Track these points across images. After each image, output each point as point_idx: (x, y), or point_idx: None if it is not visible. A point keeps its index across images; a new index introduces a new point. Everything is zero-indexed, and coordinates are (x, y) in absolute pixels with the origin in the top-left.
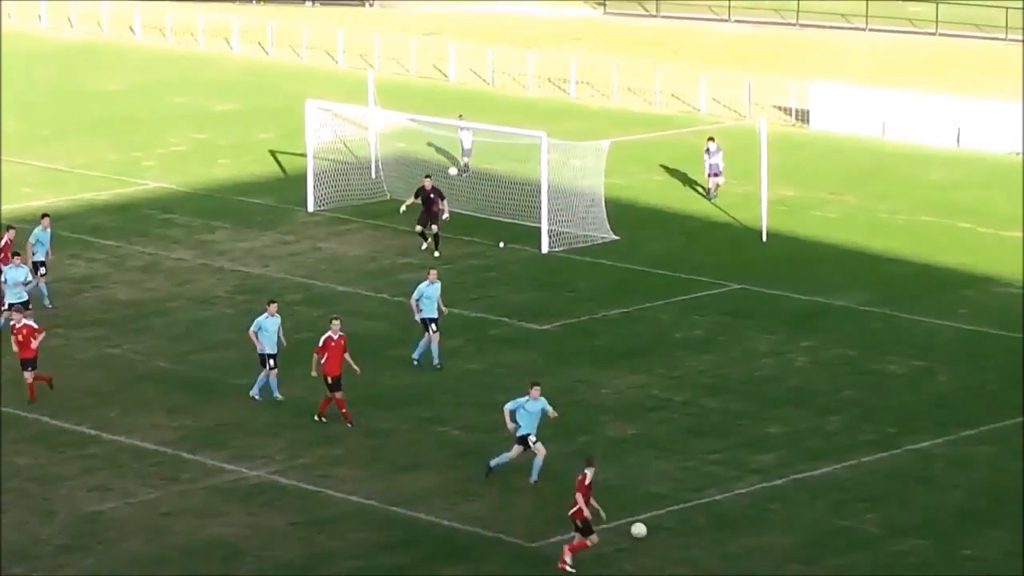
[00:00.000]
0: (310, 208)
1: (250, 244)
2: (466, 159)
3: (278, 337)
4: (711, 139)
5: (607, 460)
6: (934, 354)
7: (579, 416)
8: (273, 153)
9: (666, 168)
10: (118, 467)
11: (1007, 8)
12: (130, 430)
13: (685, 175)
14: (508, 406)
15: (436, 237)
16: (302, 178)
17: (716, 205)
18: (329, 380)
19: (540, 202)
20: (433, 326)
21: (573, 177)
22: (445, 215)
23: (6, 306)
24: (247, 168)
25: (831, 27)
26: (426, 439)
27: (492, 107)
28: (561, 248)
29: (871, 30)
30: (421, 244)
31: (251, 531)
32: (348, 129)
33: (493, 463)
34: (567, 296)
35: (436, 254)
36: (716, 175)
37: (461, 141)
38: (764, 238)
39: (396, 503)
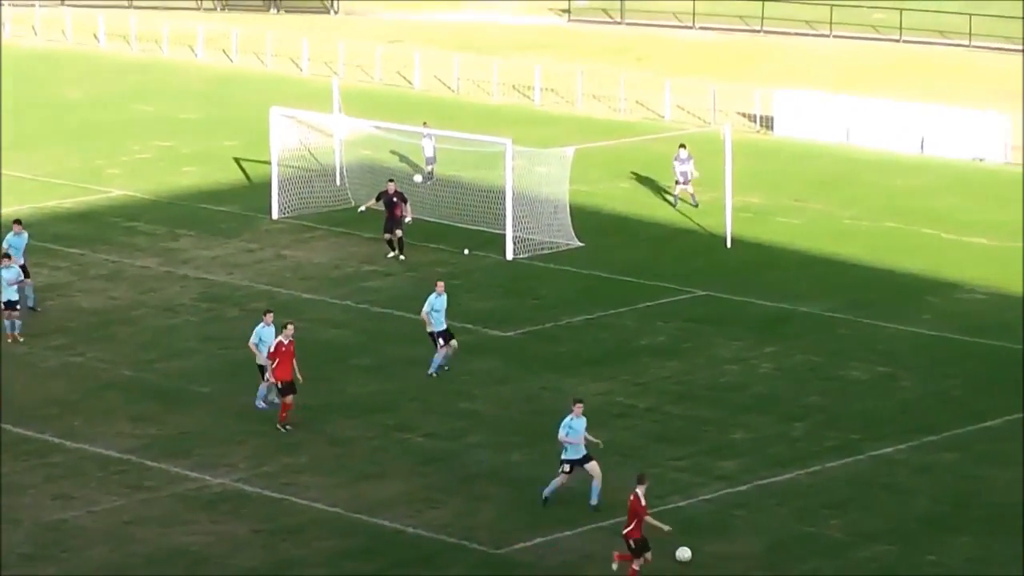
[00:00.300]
0: (274, 215)
1: (214, 252)
2: (429, 167)
3: None
4: (682, 146)
5: None
6: (898, 360)
7: (543, 423)
8: (237, 161)
9: (631, 175)
10: (82, 475)
11: (971, 15)
12: (94, 438)
13: (650, 182)
14: (560, 433)
15: (400, 241)
16: (266, 185)
17: (681, 212)
18: (280, 385)
19: (505, 209)
20: (441, 340)
21: (538, 184)
22: (408, 219)
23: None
24: (212, 176)
25: (795, 34)
26: (391, 446)
27: (457, 114)
28: (526, 255)
29: (835, 37)
30: (387, 252)
31: (215, 539)
32: (313, 136)
33: (547, 493)
34: (531, 303)
35: (401, 258)
36: (686, 183)
37: (424, 148)
38: (729, 245)
39: (361, 511)
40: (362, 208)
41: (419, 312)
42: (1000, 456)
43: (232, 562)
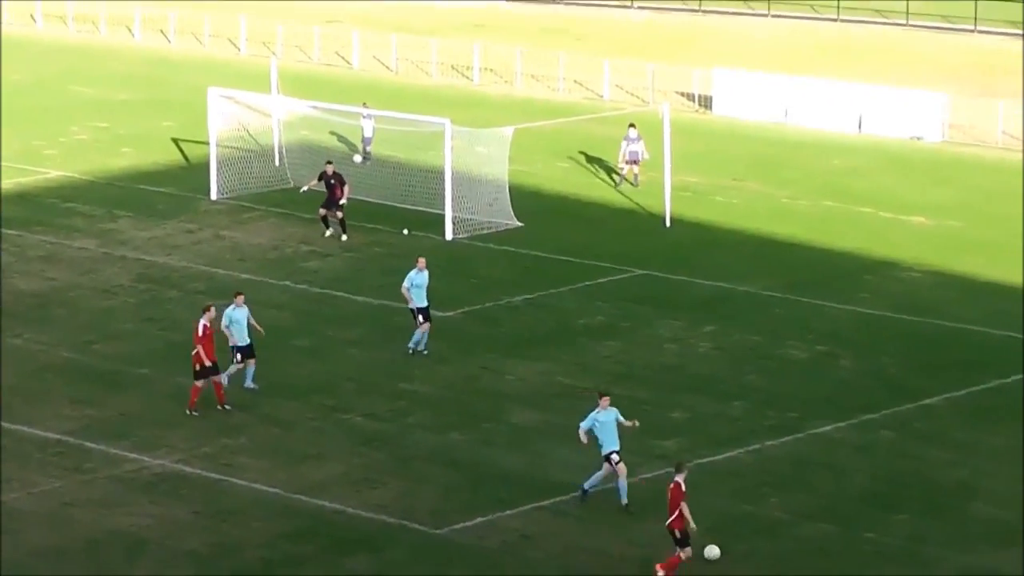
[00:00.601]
0: (213, 196)
1: (153, 233)
2: (368, 148)
3: (249, 326)
4: (632, 125)
5: (512, 447)
6: (836, 339)
7: (483, 404)
8: (176, 142)
9: (570, 155)
10: (21, 457)
11: None
12: (32, 420)
13: (589, 162)
14: (582, 425)
15: (342, 222)
16: (205, 166)
17: (620, 192)
18: (208, 365)
19: (444, 189)
20: (423, 315)
21: (477, 164)
22: (343, 200)
23: None
24: (150, 157)
25: (733, 14)
26: (330, 427)
27: (396, 95)
28: (465, 235)
29: (774, 16)
30: (324, 231)
31: (155, 521)
32: (251, 117)
33: (587, 486)
34: (471, 283)
35: (344, 238)
36: (634, 162)
37: (363, 129)
38: (667, 224)
39: (300, 491)
40: (304, 189)
41: (358, 293)
42: (938, 435)
43: (172, 544)
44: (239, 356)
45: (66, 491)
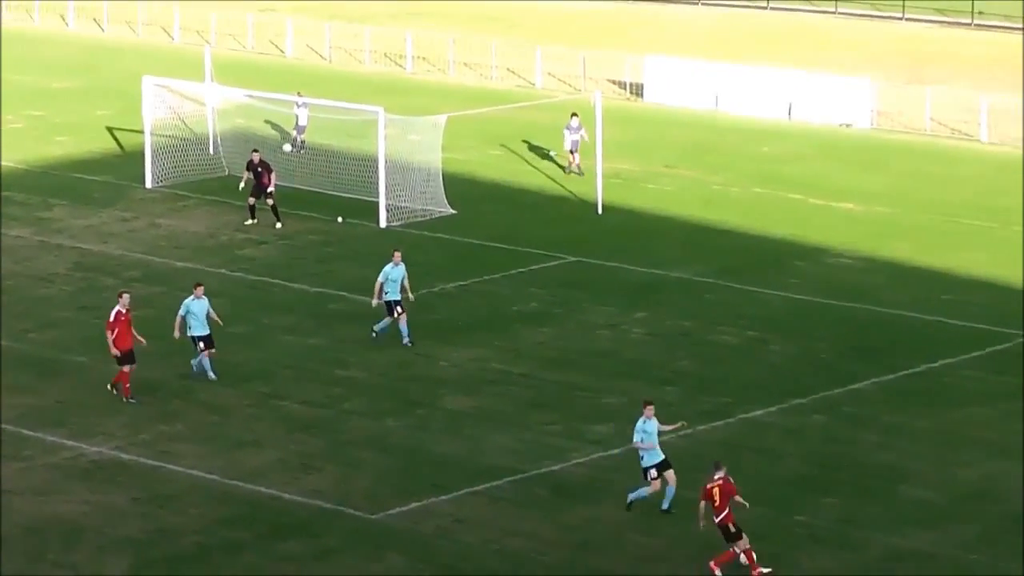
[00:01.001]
0: (148, 185)
1: (88, 221)
2: (301, 136)
3: (209, 317)
4: (574, 115)
5: (446, 433)
6: (767, 324)
7: (418, 389)
8: (111, 130)
9: (503, 142)
10: None
11: None
12: None
13: (522, 149)
14: (635, 440)
15: (274, 209)
16: (140, 155)
17: (552, 179)
18: (120, 354)
19: (378, 177)
20: (399, 307)
21: (410, 152)
22: (270, 188)
23: None
24: (84, 145)
25: (665, 1)
26: (266, 414)
27: (329, 82)
28: (399, 223)
29: (704, 4)
30: (247, 219)
31: (92, 508)
32: (185, 105)
33: (633, 498)
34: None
35: (278, 226)
36: (576, 151)
37: (297, 117)
38: (600, 211)
39: (237, 478)
40: (241, 186)
41: (293, 281)
42: (868, 418)
43: (109, 530)
44: (201, 345)
45: (4, 479)
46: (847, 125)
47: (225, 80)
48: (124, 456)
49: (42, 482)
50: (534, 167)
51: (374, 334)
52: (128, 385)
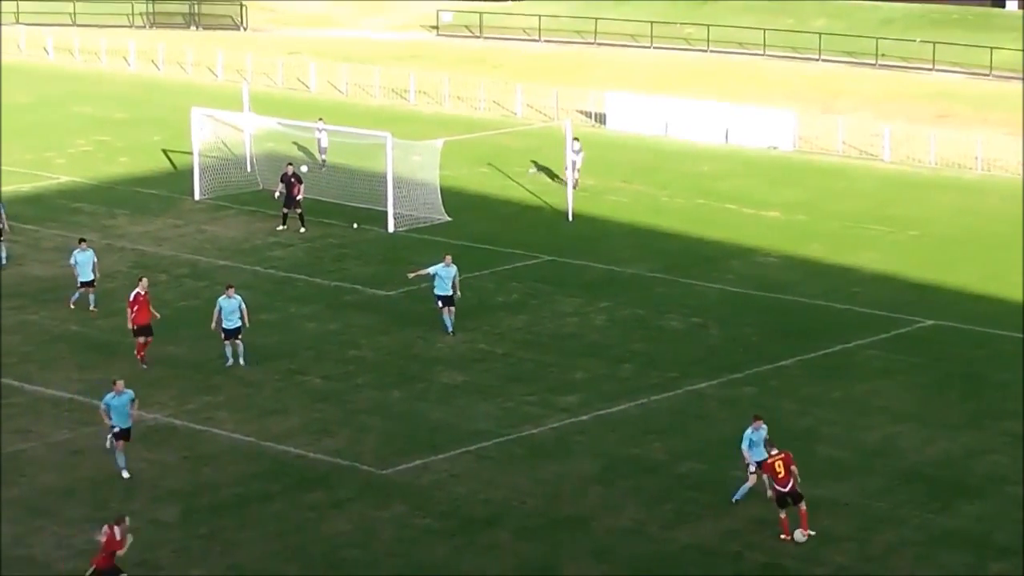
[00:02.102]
0: (196, 197)
1: (145, 228)
2: (323, 156)
3: (242, 313)
4: (576, 139)
5: (441, 403)
6: (707, 312)
7: (418, 367)
8: (165, 152)
9: (489, 162)
10: (37, 413)
11: (765, 30)
12: (47, 383)
13: (504, 168)
14: (743, 445)
15: (301, 216)
16: (189, 172)
17: (530, 191)
18: (137, 327)
19: (386, 190)
20: (450, 304)
21: (413, 170)
22: (299, 196)
23: None
24: (143, 165)
25: (622, 45)
26: (291, 387)
27: (346, 113)
28: (404, 228)
29: (655, 48)
30: (279, 226)
31: (148, 464)
32: (227, 132)
33: (737, 497)
34: (408, 267)
35: (303, 231)
36: (574, 170)
37: (319, 141)
38: (570, 219)
39: (268, 440)
40: (276, 195)
41: (315, 276)
42: (790, 390)
43: (162, 484)
44: (225, 335)
45: (75, 441)
46: (774, 148)
47: (260, 111)
48: (175, 422)
49: (106, 444)
50: (515, 182)
51: (451, 333)
52: (143, 354)
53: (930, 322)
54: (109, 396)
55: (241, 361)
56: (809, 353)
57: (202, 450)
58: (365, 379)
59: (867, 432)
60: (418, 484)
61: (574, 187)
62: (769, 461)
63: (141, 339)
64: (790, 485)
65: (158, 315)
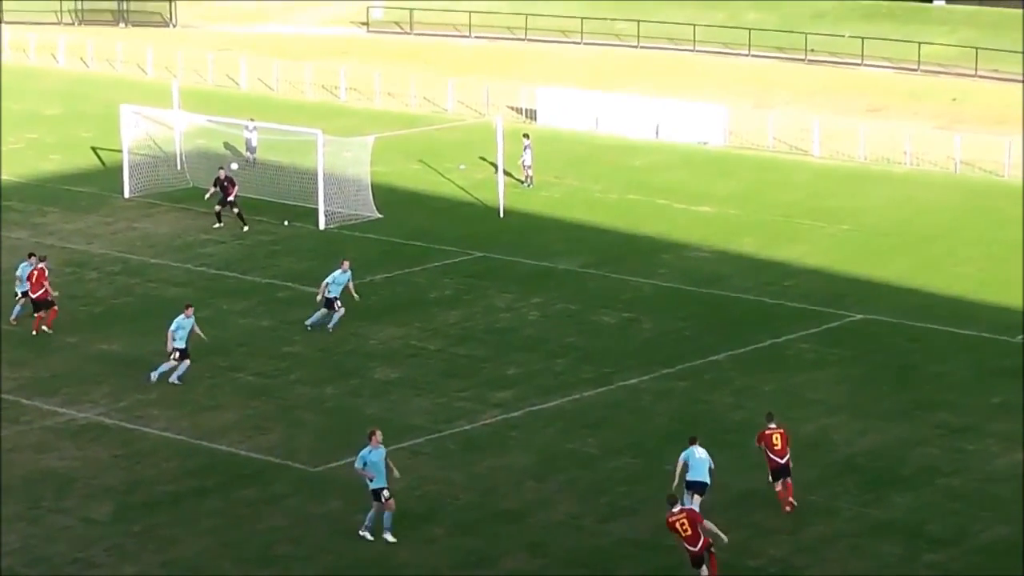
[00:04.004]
0: (126, 195)
1: (76, 225)
2: (252, 155)
3: (192, 333)
4: (525, 136)
5: (375, 399)
6: (639, 307)
7: (352, 362)
8: (94, 149)
9: (420, 158)
10: None
11: (695, 25)
12: None
13: (436, 163)
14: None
15: (240, 215)
16: (119, 170)
17: (460, 187)
18: (36, 302)
19: (317, 187)
20: (338, 302)
21: (344, 166)
22: (231, 198)
23: None
24: (72, 162)
25: (553, 41)
26: (225, 384)
27: (276, 109)
28: (335, 225)
29: (586, 43)
30: (214, 223)
31: (81, 463)
32: (157, 129)
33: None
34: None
35: (245, 228)
36: (528, 167)
37: (249, 141)
38: (501, 215)
39: (201, 437)
40: (207, 196)
41: (247, 273)
42: (724, 383)
43: (96, 481)
44: (177, 355)
45: (7, 439)
46: (704, 143)
47: (190, 108)
48: (107, 420)
49: (38, 442)
50: (447, 178)
51: (308, 327)
52: (40, 324)
53: (861, 316)
54: (366, 451)
55: (179, 380)
56: (742, 347)
57: (135, 447)
58: (299, 375)
59: (800, 424)
60: (353, 480)
61: (528, 184)
62: (768, 433)
63: (40, 313)
64: (786, 459)
65: (56, 293)
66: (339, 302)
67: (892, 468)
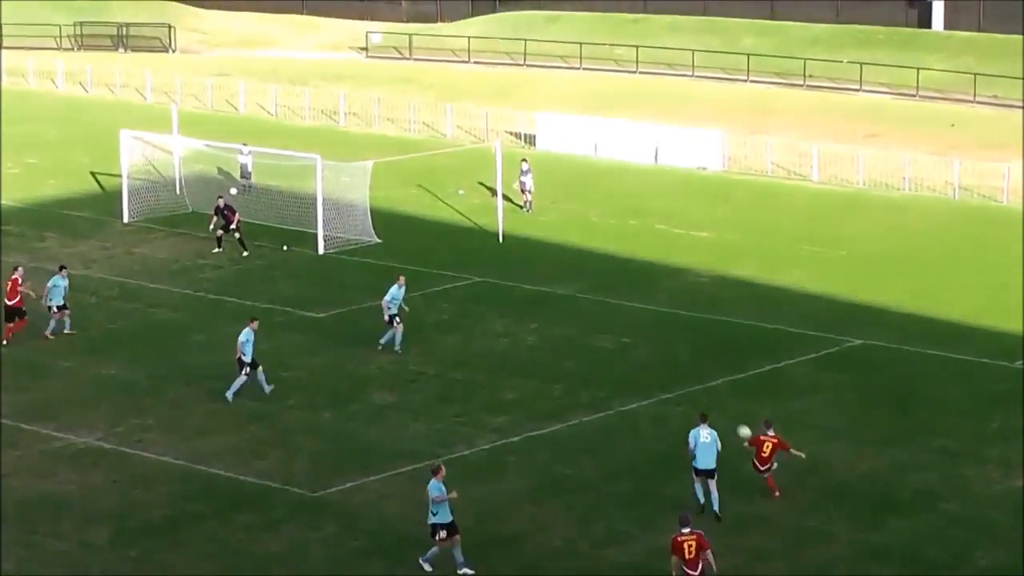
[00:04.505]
0: (125, 219)
1: (74, 249)
2: (247, 180)
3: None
4: (524, 160)
5: (372, 423)
6: (637, 332)
7: (349, 387)
8: (93, 174)
9: (419, 183)
10: None
11: (694, 51)
12: None
13: (435, 188)
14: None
15: (241, 241)
16: (117, 194)
17: (459, 212)
18: (7, 310)
19: (316, 212)
20: (397, 319)
21: (343, 191)
22: (233, 225)
23: None
24: (71, 187)
25: (552, 67)
26: (223, 408)
27: (275, 134)
28: (334, 249)
29: (585, 69)
30: (214, 248)
31: (78, 487)
32: (155, 153)
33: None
34: (340, 289)
35: (245, 254)
36: (528, 191)
37: (245, 166)
38: (500, 239)
39: (198, 461)
40: (211, 226)
41: (244, 298)
42: (720, 408)
43: (92, 506)
44: (247, 369)
45: (4, 463)
46: (703, 168)
47: (188, 132)
48: (105, 445)
49: (36, 466)
50: (446, 203)
51: (380, 346)
52: (11, 335)
53: (859, 341)
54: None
55: (268, 385)
56: (739, 372)
57: (132, 472)
58: (296, 400)
59: (797, 449)
60: (350, 505)
61: (528, 210)
62: (761, 439)
63: (11, 322)
64: (766, 468)
65: (34, 294)
66: (398, 319)
67: (890, 493)
